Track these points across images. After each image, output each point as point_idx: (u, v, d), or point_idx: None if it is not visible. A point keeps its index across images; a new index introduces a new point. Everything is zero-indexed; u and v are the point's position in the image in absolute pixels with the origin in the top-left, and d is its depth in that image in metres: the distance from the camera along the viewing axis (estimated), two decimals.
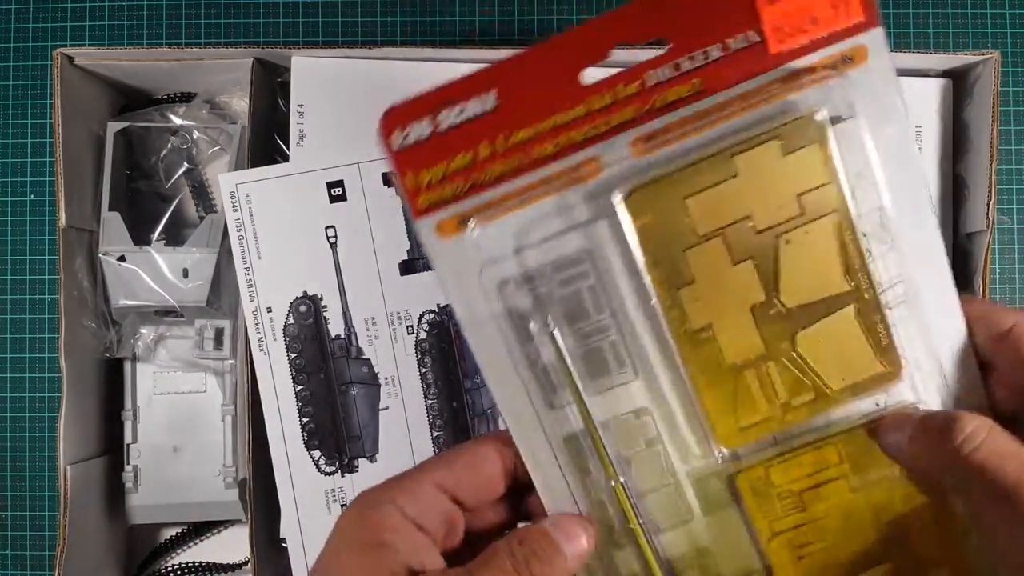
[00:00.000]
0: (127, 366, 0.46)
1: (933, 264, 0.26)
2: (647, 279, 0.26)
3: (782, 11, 0.25)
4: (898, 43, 0.49)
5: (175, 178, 0.47)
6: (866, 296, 0.26)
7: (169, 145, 0.47)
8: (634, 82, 0.25)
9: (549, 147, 0.25)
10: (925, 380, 0.26)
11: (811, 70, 0.25)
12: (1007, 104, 0.48)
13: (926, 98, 0.44)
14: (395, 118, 0.25)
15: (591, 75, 0.25)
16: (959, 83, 0.44)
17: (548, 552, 0.26)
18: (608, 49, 0.25)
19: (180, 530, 0.48)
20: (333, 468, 0.43)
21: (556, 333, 0.26)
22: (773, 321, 0.26)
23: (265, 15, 0.50)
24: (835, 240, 0.25)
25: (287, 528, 0.43)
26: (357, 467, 0.43)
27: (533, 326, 0.26)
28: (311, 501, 0.43)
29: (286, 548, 0.43)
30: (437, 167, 0.25)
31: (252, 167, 0.43)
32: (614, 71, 0.25)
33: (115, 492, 0.46)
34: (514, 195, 0.25)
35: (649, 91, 0.25)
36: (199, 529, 0.48)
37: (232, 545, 0.48)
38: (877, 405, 0.26)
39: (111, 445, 0.46)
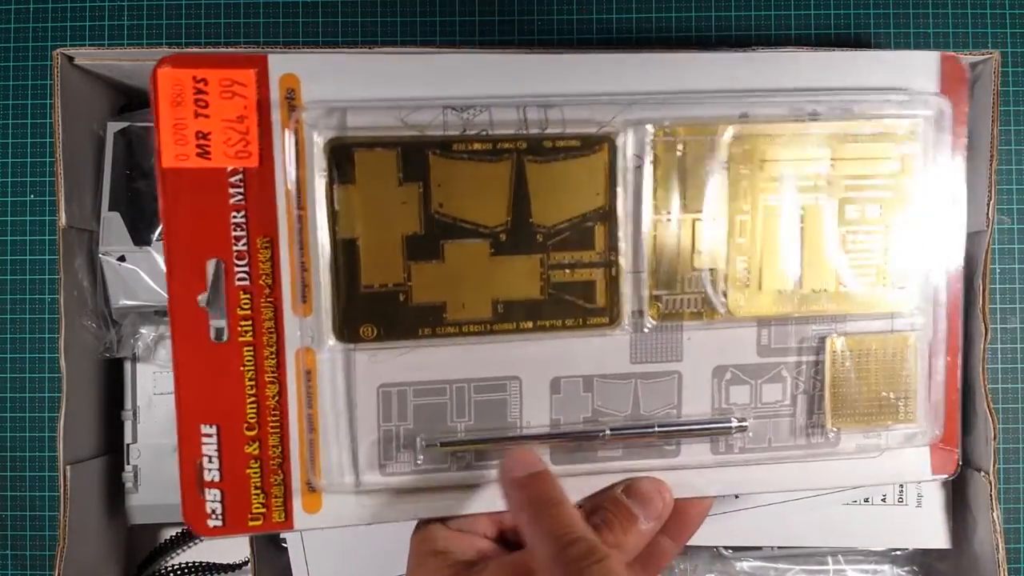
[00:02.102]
0: (127, 366, 0.46)
1: None
2: None
3: None
4: (898, 43, 0.49)
5: None
6: None
7: None
8: None
9: None
10: None
11: None
12: (1007, 104, 0.48)
13: None
14: None
15: None
16: None
17: (621, 520, 0.28)
18: None
19: (180, 530, 0.48)
20: None
21: None
22: None
23: (265, 15, 0.50)
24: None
25: None
26: None
27: None
28: None
29: (286, 548, 0.43)
30: None
31: None
32: None
33: (115, 492, 0.46)
34: None
35: None
36: None
37: (232, 545, 0.48)
38: None
39: (111, 445, 0.46)
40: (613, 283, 0.29)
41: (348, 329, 0.28)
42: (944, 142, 0.30)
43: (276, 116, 0.27)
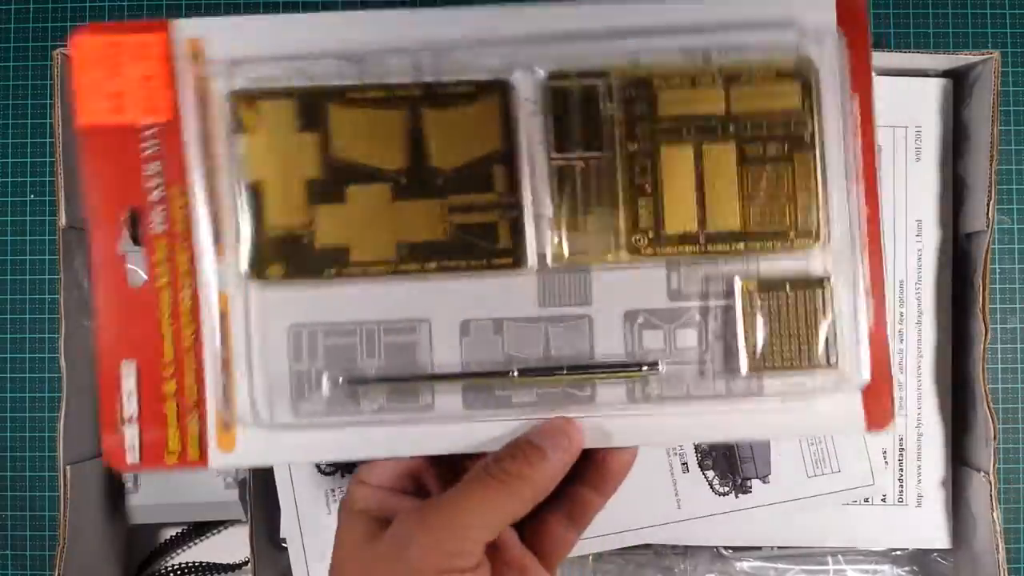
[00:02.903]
0: None
1: None
2: None
3: None
4: (898, 43, 0.49)
5: None
6: None
7: None
8: None
9: None
10: None
11: None
12: (1007, 104, 0.48)
13: (926, 98, 0.44)
14: None
15: None
16: (959, 83, 0.44)
17: (528, 455, 0.28)
18: None
19: (180, 530, 0.48)
20: (332, 468, 0.43)
21: None
22: None
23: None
24: None
25: (287, 528, 0.43)
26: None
27: None
28: (311, 501, 0.43)
29: (286, 548, 0.43)
30: None
31: None
32: None
33: (115, 492, 0.46)
34: None
35: None
36: (199, 529, 0.48)
37: (232, 545, 0.48)
38: None
39: None
40: (515, 225, 0.29)
41: (257, 268, 0.29)
42: (844, 81, 0.30)
43: (183, 74, 0.29)
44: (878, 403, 0.30)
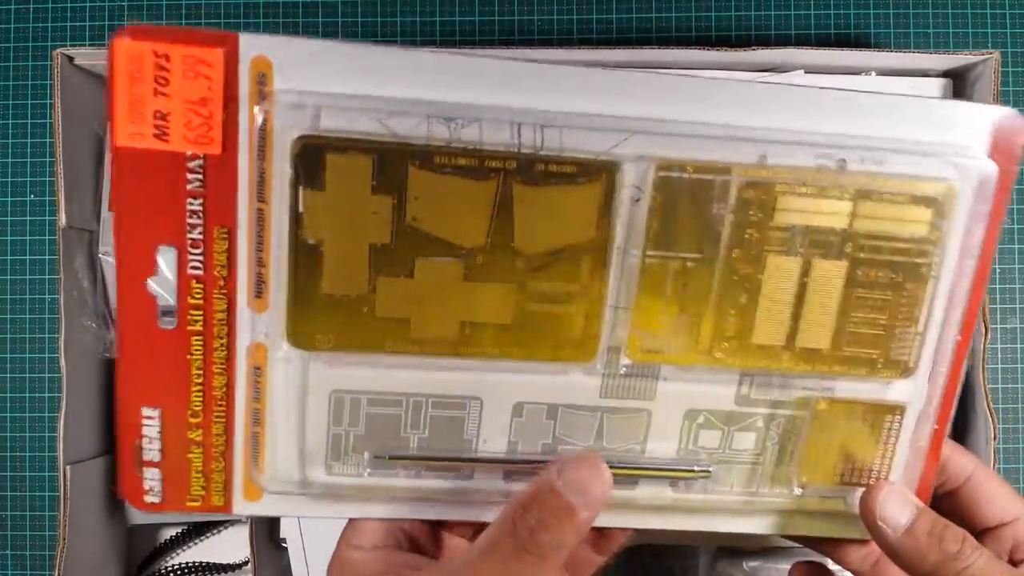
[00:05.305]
0: None
1: None
2: None
3: None
4: (898, 43, 0.49)
5: None
6: None
7: None
8: None
9: None
10: None
11: None
12: (1007, 104, 0.48)
13: None
14: None
15: None
16: (959, 83, 0.44)
17: (558, 515, 0.25)
18: None
19: (180, 530, 0.48)
20: None
21: None
22: None
23: (265, 15, 0.50)
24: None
25: (287, 528, 0.43)
26: None
27: None
28: None
29: (286, 548, 0.43)
30: None
31: None
32: None
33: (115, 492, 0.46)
34: None
35: None
36: (199, 529, 0.48)
37: (232, 545, 0.48)
38: None
39: (111, 445, 0.46)
40: (592, 317, 0.27)
41: (304, 335, 0.26)
42: (981, 215, 0.27)
43: (244, 103, 0.24)
44: None
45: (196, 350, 0.26)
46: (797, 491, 0.30)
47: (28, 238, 0.50)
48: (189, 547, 0.48)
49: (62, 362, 0.41)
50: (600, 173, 0.26)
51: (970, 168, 0.27)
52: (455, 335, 0.27)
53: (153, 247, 0.25)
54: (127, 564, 0.48)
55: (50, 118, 0.47)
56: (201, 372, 0.27)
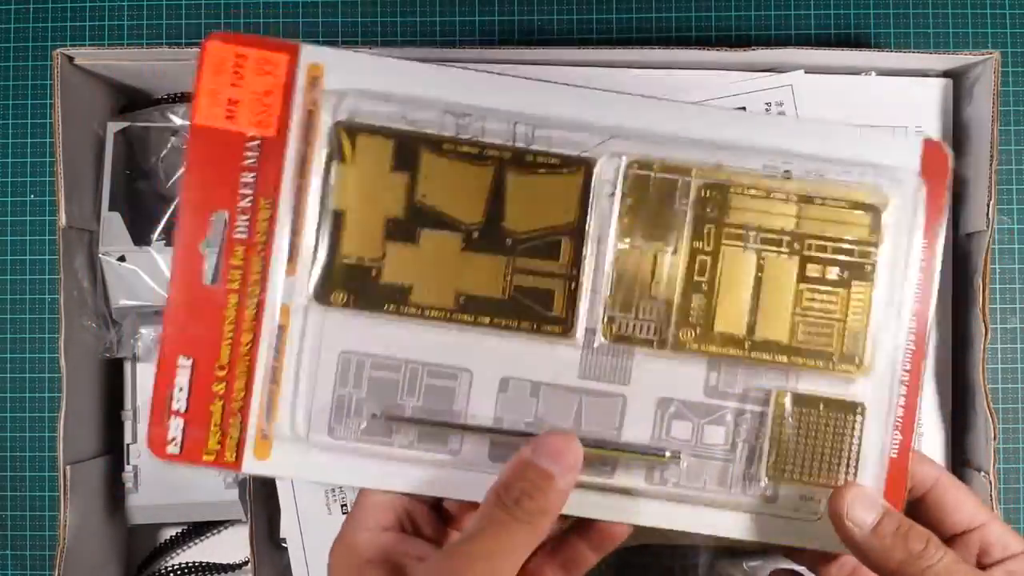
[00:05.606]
0: (127, 366, 0.46)
1: None
2: None
3: None
4: (898, 43, 0.49)
5: (175, 178, 0.47)
6: None
7: (169, 145, 0.47)
8: None
9: None
10: None
11: None
12: (1007, 104, 0.48)
13: (926, 98, 0.44)
14: None
15: None
16: (959, 83, 0.44)
17: (538, 483, 0.27)
18: None
19: (180, 530, 0.48)
20: None
21: None
22: None
23: (265, 15, 0.50)
24: None
25: (287, 528, 0.43)
26: None
27: None
28: (311, 501, 0.43)
29: (286, 548, 0.43)
30: None
31: None
32: None
33: (115, 492, 0.46)
34: None
35: None
36: (199, 529, 0.48)
37: (232, 545, 0.48)
38: None
39: (111, 445, 0.46)
40: (571, 296, 0.31)
41: (323, 291, 0.30)
42: (917, 224, 0.31)
43: (298, 96, 0.30)
44: None
45: (231, 306, 0.30)
46: (768, 492, 0.31)
47: (28, 238, 0.50)
48: (189, 547, 0.48)
49: (62, 362, 0.42)
50: (580, 166, 0.31)
51: (903, 181, 0.31)
52: (450, 303, 0.31)
53: (209, 212, 0.30)
54: (127, 564, 0.48)
55: (50, 118, 0.47)
56: (233, 327, 0.30)
